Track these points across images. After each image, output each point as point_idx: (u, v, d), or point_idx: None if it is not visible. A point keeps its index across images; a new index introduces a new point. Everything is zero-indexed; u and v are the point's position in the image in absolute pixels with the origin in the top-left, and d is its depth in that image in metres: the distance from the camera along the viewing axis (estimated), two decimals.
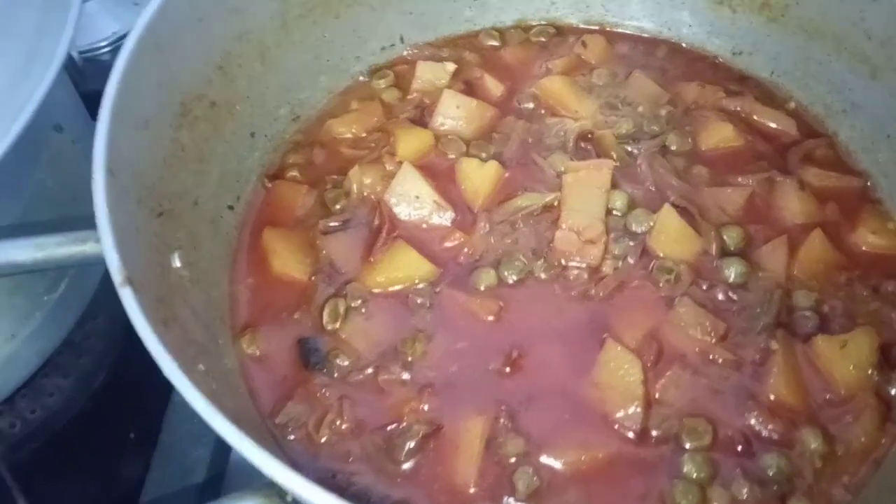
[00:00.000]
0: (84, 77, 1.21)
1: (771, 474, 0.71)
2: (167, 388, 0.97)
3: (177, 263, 0.70)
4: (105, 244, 0.55)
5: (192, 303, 0.72)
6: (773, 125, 0.95)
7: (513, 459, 0.72)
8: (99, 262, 0.60)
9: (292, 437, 0.75)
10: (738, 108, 0.97)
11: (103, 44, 1.32)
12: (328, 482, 0.72)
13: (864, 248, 0.86)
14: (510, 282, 0.84)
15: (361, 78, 1.04)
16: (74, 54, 1.26)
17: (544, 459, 0.72)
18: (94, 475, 1.09)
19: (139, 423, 1.06)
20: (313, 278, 0.85)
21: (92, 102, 0.92)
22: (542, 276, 0.84)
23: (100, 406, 1.16)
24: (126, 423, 1.21)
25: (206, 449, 0.91)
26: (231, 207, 0.88)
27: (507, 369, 0.78)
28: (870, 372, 0.76)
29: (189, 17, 0.78)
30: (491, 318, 0.82)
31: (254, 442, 0.46)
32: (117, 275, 0.54)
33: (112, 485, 1.07)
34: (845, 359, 0.76)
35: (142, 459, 0.98)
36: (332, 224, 0.89)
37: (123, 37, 0.68)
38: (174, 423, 0.95)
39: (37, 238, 0.62)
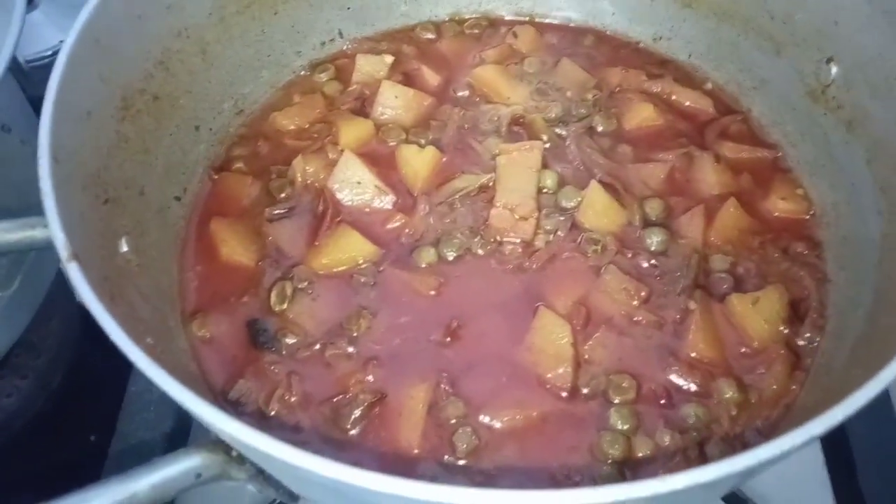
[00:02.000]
0: (32, 83, 1.23)
1: (691, 422, 0.77)
2: (125, 387, 1.01)
3: (124, 248, 0.73)
4: (52, 224, 0.58)
5: (141, 286, 0.75)
6: (691, 104, 1.02)
7: (453, 421, 0.77)
8: (47, 246, 0.63)
9: (245, 412, 0.79)
10: (659, 90, 1.03)
11: (49, 52, 1.34)
12: None
13: (775, 214, 0.92)
14: (449, 258, 0.88)
15: (303, 72, 1.08)
16: (22, 62, 1.28)
17: (482, 420, 0.77)
18: (53, 476, 1.11)
19: (98, 424, 1.08)
20: (260, 263, 0.89)
21: (39, 107, 0.94)
22: (480, 251, 0.89)
23: (58, 407, 1.18)
24: (85, 425, 1.23)
25: (162, 435, 0.94)
26: (178, 198, 0.91)
27: (448, 339, 0.83)
28: (780, 326, 0.82)
29: (127, 15, 0.81)
30: (432, 292, 0.86)
31: (195, 394, 0.50)
32: (63, 250, 0.57)
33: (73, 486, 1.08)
34: (757, 314, 0.82)
35: (103, 459, 1.00)
36: (277, 212, 0.93)
37: None
38: (131, 412, 0.98)
39: None
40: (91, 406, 1.25)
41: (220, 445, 0.56)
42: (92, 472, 0.96)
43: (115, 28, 0.79)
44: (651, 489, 0.46)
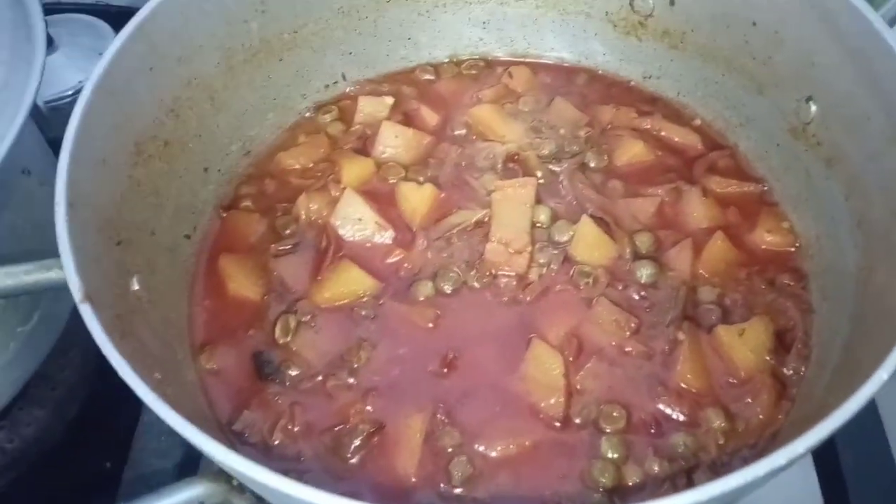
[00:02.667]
0: (50, 124, 1.28)
1: (679, 451, 0.79)
2: (138, 416, 1.04)
3: (135, 287, 0.77)
4: (66, 267, 0.62)
5: (151, 322, 0.79)
6: (680, 140, 1.05)
7: (449, 450, 0.80)
8: (63, 287, 0.67)
9: (249, 442, 0.82)
10: (649, 127, 1.06)
11: (69, 93, 1.40)
12: None
13: (762, 247, 0.94)
14: (447, 292, 0.92)
15: (308, 114, 1.12)
16: (41, 103, 1.34)
17: (477, 448, 0.80)
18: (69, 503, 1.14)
19: (113, 452, 1.12)
20: (266, 297, 0.92)
21: (58, 148, 0.99)
22: (476, 285, 0.92)
23: (75, 436, 1.22)
24: (100, 453, 1.27)
25: (173, 463, 0.98)
26: (188, 237, 0.96)
27: (445, 370, 0.85)
28: (766, 356, 0.84)
29: (140, 67, 0.86)
30: (430, 325, 0.89)
31: (197, 428, 0.54)
32: (77, 293, 0.61)
33: None
34: (744, 345, 0.84)
35: (116, 487, 1.03)
36: (282, 248, 0.97)
37: None
38: (144, 441, 1.01)
39: (6, 267, 0.70)
40: (106, 435, 1.29)
41: (222, 475, 0.60)
42: (106, 498, 0.99)
43: (128, 80, 0.84)
44: None
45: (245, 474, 0.51)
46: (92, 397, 1.24)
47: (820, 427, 0.56)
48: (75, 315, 1.16)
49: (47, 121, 1.32)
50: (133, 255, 0.81)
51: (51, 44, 1.37)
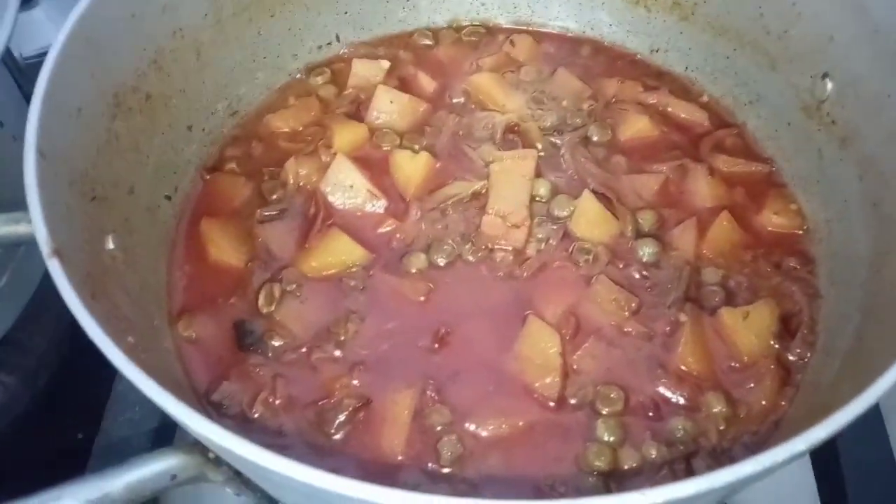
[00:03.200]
0: (29, 80, 1.23)
1: (678, 436, 0.76)
2: (112, 385, 1.00)
3: (110, 246, 0.73)
4: (34, 218, 0.58)
5: (126, 284, 0.74)
6: (686, 117, 1.01)
7: (439, 428, 0.76)
8: (32, 241, 0.63)
9: (227, 414, 0.78)
10: (655, 102, 1.03)
11: (45, 50, 1.34)
12: None
13: (768, 228, 0.91)
14: (440, 264, 0.88)
15: (299, 75, 1.07)
16: (19, 58, 1.28)
17: (468, 427, 0.76)
18: (38, 473, 1.10)
19: (85, 422, 1.07)
20: (249, 265, 0.88)
21: None
22: (470, 258, 0.88)
23: (45, 405, 1.17)
24: (72, 423, 1.22)
25: (147, 433, 0.93)
26: (169, 198, 0.91)
27: (436, 346, 0.82)
28: (770, 341, 0.81)
29: (121, 14, 0.80)
30: (421, 298, 0.86)
31: (171, 395, 0.50)
32: (45, 246, 0.56)
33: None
34: (748, 328, 0.81)
35: (87, 457, 0.99)
36: (268, 213, 0.92)
37: None
38: (116, 411, 0.97)
39: None
40: (78, 404, 1.24)
41: (197, 447, 0.56)
42: (77, 469, 0.95)
43: (107, 26, 0.78)
44: (631, 502, 0.45)
45: (222, 445, 0.47)
46: (64, 366, 1.19)
47: (831, 420, 0.52)
48: (47, 279, 1.11)
49: (25, 76, 1.26)
50: (108, 213, 0.76)
51: None
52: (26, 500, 0.51)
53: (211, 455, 0.55)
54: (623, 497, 0.45)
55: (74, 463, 0.98)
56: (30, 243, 0.66)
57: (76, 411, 1.23)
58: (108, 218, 0.76)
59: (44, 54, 1.34)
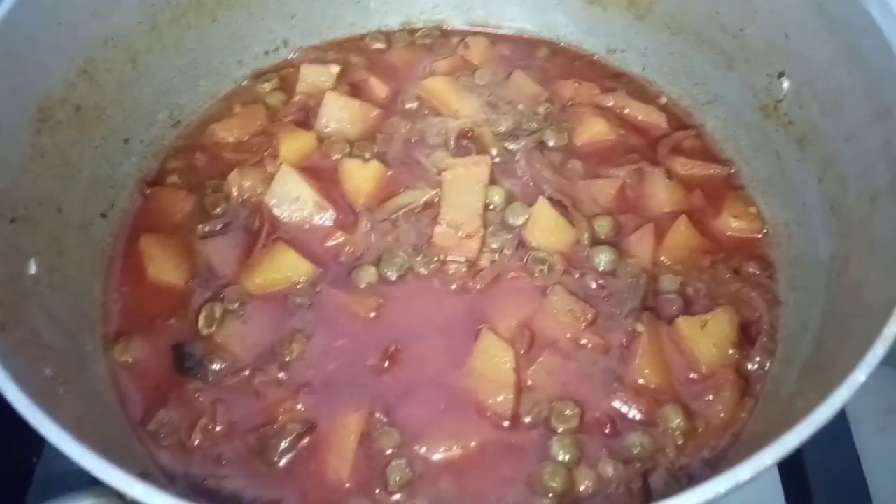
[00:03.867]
0: None
1: (635, 452, 0.73)
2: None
3: (32, 270, 0.69)
4: None
5: (51, 309, 0.70)
6: (644, 118, 0.99)
7: (388, 452, 0.73)
8: None
9: (163, 444, 0.74)
10: (612, 104, 1.00)
11: None
12: (199, 487, 0.71)
13: (727, 233, 0.89)
14: (391, 278, 0.85)
15: (245, 82, 1.04)
16: None
17: (418, 451, 0.73)
18: None
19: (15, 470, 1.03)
20: (190, 283, 0.85)
21: None
22: (422, 271, 0.85)
23: None
24: (11, 458, 1.17)
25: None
26: (104, 215, 0.87)
27: (385, 364, 0.79)
28: (730, 350, 0.79)
29: (45, 22, 0.76)
30: (371, 314, 0.83)
31: (75, 439, 0.46)
32: None
33: None
34: (706, 338, 0.79)
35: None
36: (210, 228, 0.89)
37: None
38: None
39: None
40: (9, 451, 1.19)
41: (111, 489, 0.52)
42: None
43: (30, 36, 0.74)
44: None
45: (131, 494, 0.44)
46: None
47: (790, 435, 0.50)
48: None
49: None
50: (32, 235, 0.72)
51: None
52: None
53: (128, 499, 0.52)
54: None
55: (12, 498, 0.94)
56: None
57: (14, 447, 1.18)
58: (31, 240, 0.72)
59: None
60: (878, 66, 0.68)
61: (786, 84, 0.84)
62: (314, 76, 1.03)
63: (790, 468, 0.89)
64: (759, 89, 0.88)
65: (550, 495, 0.71)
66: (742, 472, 0.46)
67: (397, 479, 0.71)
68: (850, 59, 0.74)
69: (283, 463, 0.73)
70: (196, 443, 0.74)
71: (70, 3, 0.79)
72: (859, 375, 0.49)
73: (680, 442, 0.74)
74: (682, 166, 0.94)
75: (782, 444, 0.48)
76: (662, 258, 0.86)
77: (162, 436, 0.74)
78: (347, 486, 0.72)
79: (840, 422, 0.90)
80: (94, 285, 0.82)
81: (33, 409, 0.47)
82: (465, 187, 0.90)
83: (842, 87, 0.74)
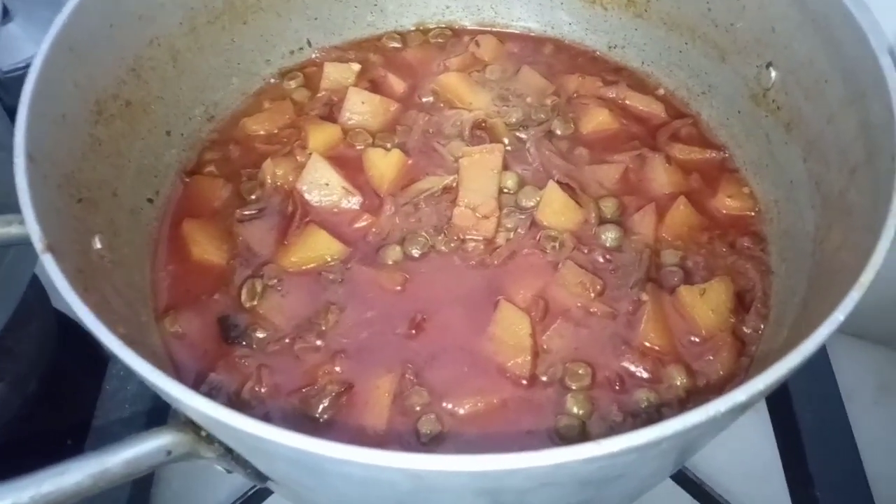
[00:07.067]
0: (9, 93, 1.26)
1: (643, 406, 0.80)
2: (99, 390, 1.03)
3: (97, 245, 0.76)
4: (27, 217, 0.61)
5: (114, 282, 0.77)
6: (644, 109, 1.06)
7: (418, 408, 0.80)
8: (23, 242, 0.66)
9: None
10: (614, 96, 1.08)
11: (23, 64, 1.37)
12: None
13: (723, 211, 0.97)
14: (414, 256, 0.92)
15: (273, 80, 1.11)
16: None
17: (446, 406, 0.80)
18: None
19: (74, 428, 1.10)
20: (231, 262, 0.92)
21: (15, 116, 0.97)
22: (443, 249, 0.93)
23: (34, 410, 1.19)
24: (61, 429, 1.24)
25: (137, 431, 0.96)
26: (150, 200, 0.94)
27: (413, 332, 0.86)
28: (727, 315, 0.86)
29: (100, 24, 0.84)
30: (398, 288, 0.90)
31: (166, 375, 0.53)
32: (39, 243, 0.60)
33: None
34: (705, 305, 0.86)
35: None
36: (247, 212, 0.96)
37: None
38: (106, 410, 0.99)
39: None
40: (68, 408, 1.26)
41: (189, 425, 0.59)
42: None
43: (88, 36, 0.82)
44: (588, 452, 0.50)
45: (215, 418, 0.51)
46: (52, 371, 1.22)
47: (779, 365, 0.57)
48: (33, 285, 1.14)
49: (5, 89, 1.29)
50: (94, 215, 0.79)
51: (6, 14, 1.34)
52: (29, 477, 0.54)
53: (203, 433, 0.59)
54: (580, 447, 0.50)
55: (73, 445, 1.01)
56: (20, 244, 0.69)
57: (65, 417, 1.25)
58: (95, 219, 0.79)
59: (21, 67, 1.38)
60: (854, 55, 0.75)
61: (773, 73, 0.92)
62: (337, 73, 1.11)
63: (783, 424, 0.97)
64: (749, 79, 0.96)
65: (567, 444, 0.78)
66: (720, 405, 0.53)
67: (428, 431, 0.78)
68: (829, 48, 0.81)
69: (324, 419, 0.80)
70: (244, 403, 0.81)
71: (121, 7, 0.87)
72: (839, 315, 0.57)
73: (683, 396, 0.81)
74: (680, 152, 1.01)
75: (773, 372, 0.55)
76: (664, 235, 0.93)
77: (213, 397, 0.81)
78: (383, 435, 0.79)
79: (833, 395, 0.97)
80: (144, 264, 0.90)
81: (126, 350, 0.54)
82: (480, 173, 0.98)
83: (822, 74, 0.82)
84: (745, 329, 0.86)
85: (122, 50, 0.88)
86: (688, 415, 0.52)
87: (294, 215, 0.95)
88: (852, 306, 0.58)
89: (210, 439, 0.60)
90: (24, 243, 0.66)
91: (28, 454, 1.17)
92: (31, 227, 0.61)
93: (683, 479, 1.06)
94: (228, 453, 0.62)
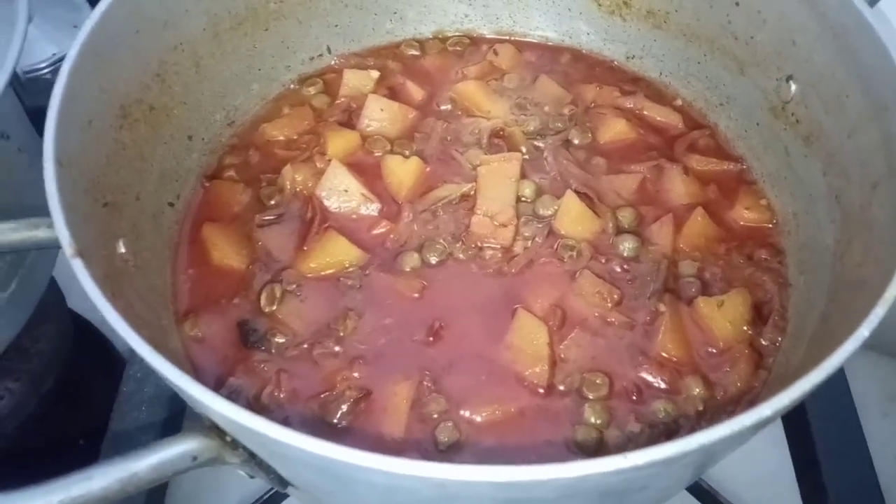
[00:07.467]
0: (28, 93, 1.28)
1: (660, 417, 0.81)
2: (115, 391, 1.04)
3: (122, 249, 0.77)
4: (57, 222, 0.62)
5: (137, 286, 0.78)
6: (661, 119, 1.07)
7: (435, 416, 0.80)
8: (50, 245, 0.67)
9: None
10: (632, 106, 1.08)
11: (43, 65, 1.39)
12: None
13: (740, 223, 0.97)
14: (432, 263, 0.92)
15: (292, 86, 1.12)
16: (20, 74, 1.32)
17: (463, 414, 0.81)
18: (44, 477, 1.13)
19: (89, 427, 1.11)
20: (251, 267, 0.92)
21: (34, 116, 0.98)
22: (461, 256, 0.93)
23: (49, 410, 1.20)
24: (76, 428, 1.25)
25: (152, 434, 0.97)
26: (171, 204, 0.95)
27: (431, 339, 0.86)
28: (744, 327, 0.86)
29: (126, 30, 0.84)
30: (415, 295, 0.90)
31: (184, 374, 0.54)
32: (69, 248, 0.61)
33: None
34: (723, 316, 0.86)
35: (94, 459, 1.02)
36: (267, 218, 0.96)
37: (62, 58, 0.75)
38: (122, 413, 1.00)
39: None
40: (83, 409, 1.27)
41: (214, 430, 0.60)
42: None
43: (114, 42, 0.82)
44: (614, 465, 0.50)
45: (239, 422, 0.52)
46: (68, 370, 1.23)
47: (803, 381, 0.57)
48: (52, 285, 1.15)
49: (25, 90, 1.30)
50: (119, 219, 0.80)
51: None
52: (58, 481, 0.55)
53: (228, 438, 0.60)
54: (606, 460, 0.50)
55: (83, 463, 1.02)
56: (47, 248, 0.70)
57: (80, 415, 1.26)
58: (119, 223, 0.80)
59: (40, 69, 1.39)
60: (875, 68, 0.75)
61: (793, 86, 0.92)
62: (356, 80, 1.11)
63: (799, 441, 0.97)
64: (768, 91, 0.96)
65: (584, 454, 0.78)
66: (763, 411, 0.54)
67: (446, 438, 0.79)
68: (849, 61, 0.81)
69: (343, 424, 0.80)
70: (263, 408, 0.82)
71: (146, 14, 0.88)
72: (863, 331, 0.57)
73: (700, 408, 0.81)
74: (698, 163, 1.02)
75: (798, 388, 0.55)
76: (681, 245, 0.93)
77: (232, 401, 0.81)
78: (402, 444, 0.79)
79: (848, 406, 0.98)
80: (165, 268, 0.90)
81: (154, 354, 0.55)
82: (498, 181, 0.98)
83: (843, 88, 0.82)
84: (762, 341, 0.87)
85: (146, 55, 0.89)
86: (714, 429, 0.53)
87: (313, 221, 0.96)
88: (877, 322, 0.58)
89: (234, 444, 0.61)
90: (51, 247, 0.67)
91: (41, 454, 1.19)
92: (61, 233, 0.61)
93: (696, 488, 1.06)
94: (252, 458, 0.62)
